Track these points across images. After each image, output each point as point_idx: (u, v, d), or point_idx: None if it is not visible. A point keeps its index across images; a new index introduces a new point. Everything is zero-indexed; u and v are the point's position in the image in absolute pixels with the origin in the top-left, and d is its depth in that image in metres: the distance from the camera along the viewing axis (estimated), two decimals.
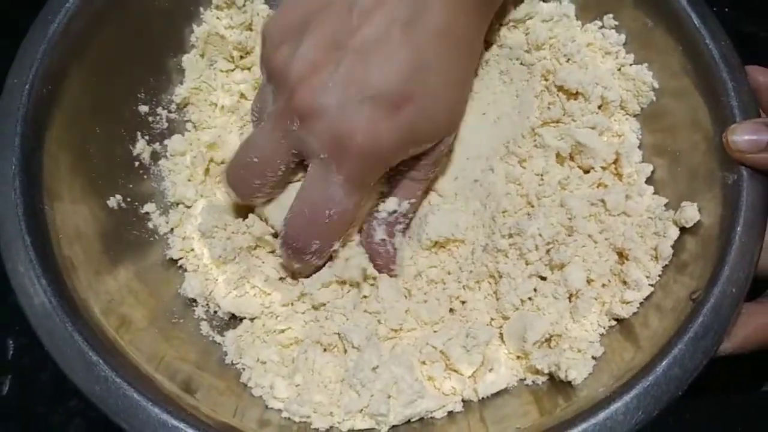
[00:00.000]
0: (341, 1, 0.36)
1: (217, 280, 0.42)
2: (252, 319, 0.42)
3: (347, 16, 0.35)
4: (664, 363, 0.33)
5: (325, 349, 0.39)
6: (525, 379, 0.39)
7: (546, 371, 0.38)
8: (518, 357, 0.39)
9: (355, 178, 0.37)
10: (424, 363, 0.39)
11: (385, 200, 0.40)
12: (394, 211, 0.40)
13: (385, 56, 0.35)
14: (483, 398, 0.39)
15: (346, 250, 0.40)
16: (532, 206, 0.41)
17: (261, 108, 0.40)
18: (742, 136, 0.36)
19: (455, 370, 0.39)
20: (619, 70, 0.43)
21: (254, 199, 0.40)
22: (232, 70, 0.47)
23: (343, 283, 0.41)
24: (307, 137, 0.36)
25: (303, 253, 0.39)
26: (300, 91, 0.35)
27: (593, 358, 0.37)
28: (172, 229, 0.44)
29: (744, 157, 0.36)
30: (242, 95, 0.46)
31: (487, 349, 0.39)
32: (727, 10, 0.58)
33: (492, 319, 0.40)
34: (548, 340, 0.38)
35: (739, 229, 0.35)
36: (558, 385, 0.37)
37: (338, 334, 0.39)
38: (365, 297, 0.40)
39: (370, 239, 0.40)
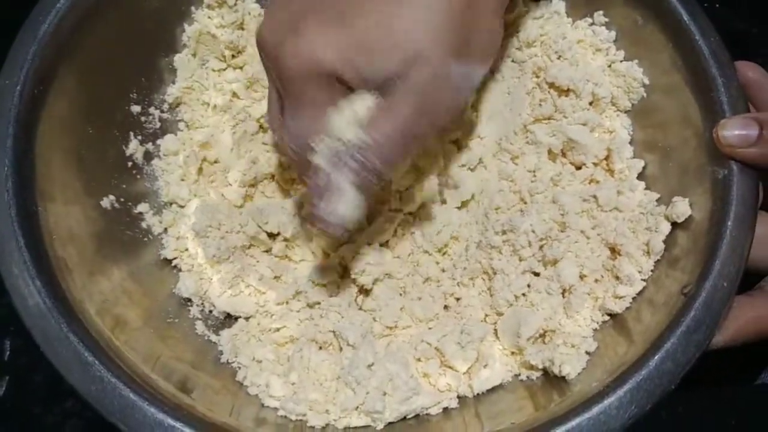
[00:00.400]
0: None
1: (211, 279, 0.42)
2: (247, 318, 0.42)
3: None
4: (656, 357, 0.33)
5: (320, 347, 0.40)
6: (519, 375, 0.39)
7: (540, 366, 0.38)
8: (512, 353, 0.40)
9: (294, 94, 0.34)
10: (419, 360, 0.39)
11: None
12: (346, 139, 0.33)
13: None
14: (478, 394, 0.39)
15: (370, 254, 0.39)
16: (525, 203, 0.41)
17: None
18: (732, 131, 0.36)
19: (450, 367, 0.39)
20: (610, 66, 0.44)
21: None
22: (224, 70, 0.47)
23: (346, 278, 0.41)
24: (273, 77, 0.35)
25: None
26: (261, 28, 0.35)
27: (587, 353, 0.37)
28: (165, 229, 0.44)
29: (734, 152, 0.36)
30: (234, 94, 0.46)
31: (482, 345, 0.39)
32: (717, 6, 0.58)
33: (486, 315, 0.41)
34: (542, 336, 0.39)
35: (729, 223, 0.35)
36: (552, 380, 0.38)
37: (333, 332, 0.39)
38: (360, 295, 0.41)
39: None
